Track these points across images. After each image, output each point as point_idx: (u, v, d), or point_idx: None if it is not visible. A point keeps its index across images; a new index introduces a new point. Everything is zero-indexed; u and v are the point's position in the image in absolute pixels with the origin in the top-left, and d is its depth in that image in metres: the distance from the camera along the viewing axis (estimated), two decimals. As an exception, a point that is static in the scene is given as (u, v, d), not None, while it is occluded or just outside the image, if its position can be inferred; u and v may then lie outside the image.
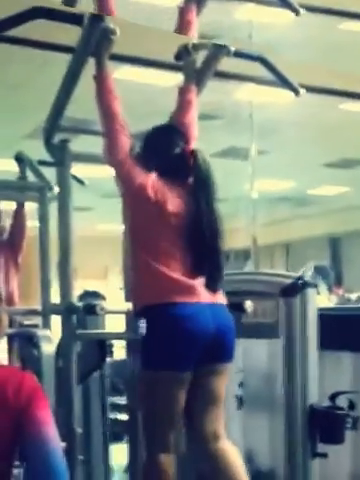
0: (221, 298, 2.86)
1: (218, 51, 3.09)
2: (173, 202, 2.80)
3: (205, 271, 2.80)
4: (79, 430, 2.77)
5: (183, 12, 3.26)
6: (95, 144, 3.04)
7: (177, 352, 2.72)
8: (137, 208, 2.83)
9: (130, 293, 2.91)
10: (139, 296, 2.82)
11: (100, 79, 2.87)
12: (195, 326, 2.72)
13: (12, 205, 4.86)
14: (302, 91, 3.29)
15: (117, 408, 4.97)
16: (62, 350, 2.80)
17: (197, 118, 3.12)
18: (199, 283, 2.78)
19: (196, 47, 3.11)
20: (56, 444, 1.78)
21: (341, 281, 12.05)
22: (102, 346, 2.98)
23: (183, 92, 3.13)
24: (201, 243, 2.81)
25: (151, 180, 2.81)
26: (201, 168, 2.87)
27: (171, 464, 2.76)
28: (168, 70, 3.47)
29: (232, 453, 2.82)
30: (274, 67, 3.21)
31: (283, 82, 3.29)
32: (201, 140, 3.08)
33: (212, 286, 2.81)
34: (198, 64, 3.16)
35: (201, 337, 2.73)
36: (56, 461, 1.77)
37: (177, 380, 2.74)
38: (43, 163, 3.23)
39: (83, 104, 3.31)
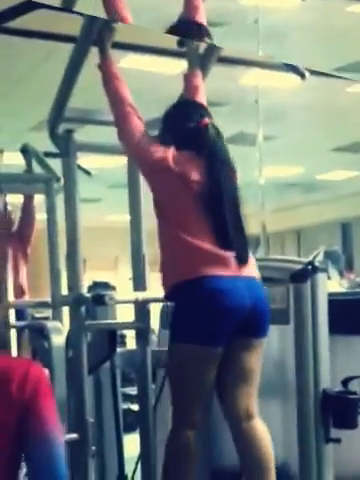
0: (254, 271, 2.85)
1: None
2: (195, 172, 2.80)
3: (233, 242, 2.78)
4: (91, 420, 2.78)
5: (189, 78, 3.17)
6: (101, 134, 3.04)
7: (212, 327, 2.70)
8: (161, 183, 2.84)
9: (162, 271, 2.86)
10: (173, 271, 2.79)
11: (105, 67, 2.88)
12: (232, 301, 2.71)
13: (21, 198, 4.86)
14: (307, 75, 3.27)
15: (129, 398, 4.99)
16: (71, 341, 2.80)
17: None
18: (231, 255, 2.77)
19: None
20: (58, 446, 1.75)
21: (352, 265, 12.00)
22: (112, 336, 2.98)
23: (189, 78, 3.13)
24: (226, 213, 2.80)
25: (171, 153, 2.81)
26: (213, 140, 2.87)
27: (195, 441, 2.75)
28: (172, 57, 3.46)
29: (262, 434, 2.81)
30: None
31: (289, 67, 3.27)
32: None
33: (243, 258, 2.79)
34: (201, 50, 3.15)
35: (237, 312, 2.72)
36: (56, 466, 1.74)
37: (209, 355, 2.72)
38: (49, 154, 3.22)
39: (87, 94, 3.31)
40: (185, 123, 2.91)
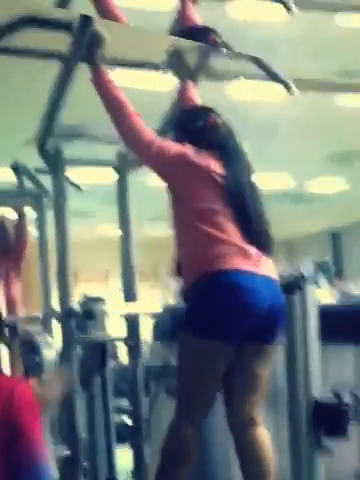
0: (274, 271, 2.81)
1: (210, 52, 3.10)
2: (216, 166, 2.79)
3: (257, 238, 2.77)
4: (83, 435, 2.78)
5: (183, 92, 3.22)
6: (93, 148, 3.05)
7: (230, 323, 2.65)
8: (183, 175, 2.79)
9: (183, 263, 2.81)
10: (196, 264, 2.72)
11: (98, 81, 2.85)
12: (252, 298, 2.67)
13: (15, 214, 4.87)
14: (295, 88, 3.30)
15: (123, 411, 4.97)
16: (62, 355, 2.81)
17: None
18: (255, 251, 2.74)
19: (186, 50, 3.13)
20: (43, 468, 1.74)
21: (342, 275, 12.05)
22: (102, 350, 2.98)
23: (182, 92, 3.16)
24: (250, 208, 2.79)
25: (188, 147, 2.80)
26: (227, 138, 2.90)
27: (194, 438, 2.72)
28: (161, 72, 3.48)
29: (265, 443, 2.78)
30: (267, 66, 3.23)
31: (276, 80, 3.30)
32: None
33: (266, 254, 2.77)
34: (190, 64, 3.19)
35: (256, 311, 2.67)
36: None
37: (222, 351, 2.68)
38: (39, 171, 3.25)
39: (79, 109, 3.33)
40: (198, 123, 2.92)
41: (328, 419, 3.17)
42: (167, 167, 2.81)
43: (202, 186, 2.77)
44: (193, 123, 2.93)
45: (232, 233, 2.72)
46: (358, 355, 3.74)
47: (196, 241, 2.74)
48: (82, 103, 2.93)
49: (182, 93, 3.18)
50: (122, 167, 3.37)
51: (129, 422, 3.71)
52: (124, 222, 3.29)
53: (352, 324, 3.75)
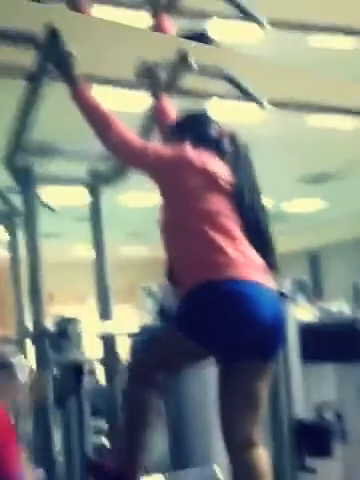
0: (273, 284, 2.69)
1: (181, 68, 3.06)
2: (221, 169, 2.71)
3: (262, 250, 2.67)
4: (59, 458, 2.70)
5: (159, 107, 3.14)
6: (66, 166, 2.99)
7: (234, 334, 2.54)
8: (183, 175, 2.67)
9: (184, 270, 2.67)
10: (200, 269, 2.59)
11: (75, 97, 2.74)
12: (259, 311, 2.54)
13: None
14: (267, 104, 3.26)
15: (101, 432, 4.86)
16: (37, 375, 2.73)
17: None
18: (259, 260, 2.64)
19: (157, 67, 3.07)
20: None
21: (321, 295, 12.05)
22: (77, 370, 2.91)
23: (156, 106, 3.10)
24: (252, 217, 2.72)
25: (188, 148, 2.70)
26: (241, 149, 2.83)
27: (151, 396, 2.61)
28: (132, 89, 3.43)
29: (264, 464, 2.65)
30: (239, 83, 3.19)
31: (249, 97, 3.27)
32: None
33: (270, 265, 2.67)
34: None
35: (261, 326, 2.55)
36: None
37: (202, 355, 2.61)
38: (9, 190, 3.19)
39: (50, 125, 3.27)
40: (202, 128, 2.84)
41: (312, 438, 3.12)
42: (167, 168, 2.70)
43: (206, 188, 2.67)
44: (200, 128, 2.84)
45: (240, 240, 2.64)
46: (339, 373, 3.71)
47: (200, 244, 2.62)
48: (54, 119, 2.86)
49: (158, 108, 3.11)
50: (95, 185, 3.30)
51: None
52: (98, 241, 3.23)
53: (332, 342, 3.72)
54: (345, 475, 3.57)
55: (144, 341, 2.96)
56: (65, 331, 2.66)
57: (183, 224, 2.68)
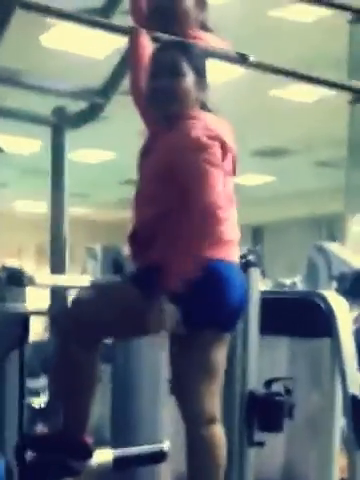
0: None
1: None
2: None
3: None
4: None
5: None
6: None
7: (222, 311, 2.57)
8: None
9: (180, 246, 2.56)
10: (194, 247, 2.52)
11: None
12: (231, 294, 2.59)
13: None
14: (252, 58, 3.04)
15: (33, 393, 4.72)
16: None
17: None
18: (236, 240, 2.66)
19: None
20: None
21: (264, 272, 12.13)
22: (24, 322, 2.70)
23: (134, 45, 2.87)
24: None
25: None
26: None
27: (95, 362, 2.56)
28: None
29: (220, 441, 2.61)
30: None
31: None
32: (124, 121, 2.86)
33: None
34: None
35: (229, 306, 2.59)
36: None
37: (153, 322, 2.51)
38: None
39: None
40: None
41: (264, 412, 3.04)
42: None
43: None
44: None
45: (231, 223, 2.66)
46: (292, 347, 3.64)
47: (201, 223, 2.54)
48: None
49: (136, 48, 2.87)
50: (60, 125, 3.04)
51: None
52: (58, 190, 3.04)
53: (287, 314, 3.65)
54: (286, 449, 3.53)
55: (88, 299, 2.78)
56: (16, 275, 2.48)
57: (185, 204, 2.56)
